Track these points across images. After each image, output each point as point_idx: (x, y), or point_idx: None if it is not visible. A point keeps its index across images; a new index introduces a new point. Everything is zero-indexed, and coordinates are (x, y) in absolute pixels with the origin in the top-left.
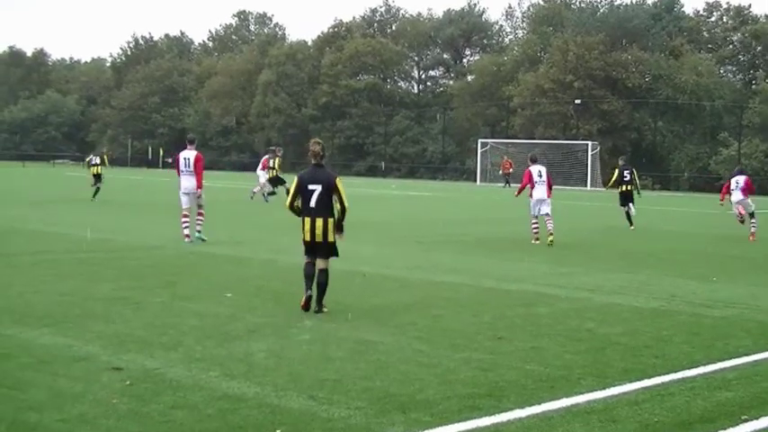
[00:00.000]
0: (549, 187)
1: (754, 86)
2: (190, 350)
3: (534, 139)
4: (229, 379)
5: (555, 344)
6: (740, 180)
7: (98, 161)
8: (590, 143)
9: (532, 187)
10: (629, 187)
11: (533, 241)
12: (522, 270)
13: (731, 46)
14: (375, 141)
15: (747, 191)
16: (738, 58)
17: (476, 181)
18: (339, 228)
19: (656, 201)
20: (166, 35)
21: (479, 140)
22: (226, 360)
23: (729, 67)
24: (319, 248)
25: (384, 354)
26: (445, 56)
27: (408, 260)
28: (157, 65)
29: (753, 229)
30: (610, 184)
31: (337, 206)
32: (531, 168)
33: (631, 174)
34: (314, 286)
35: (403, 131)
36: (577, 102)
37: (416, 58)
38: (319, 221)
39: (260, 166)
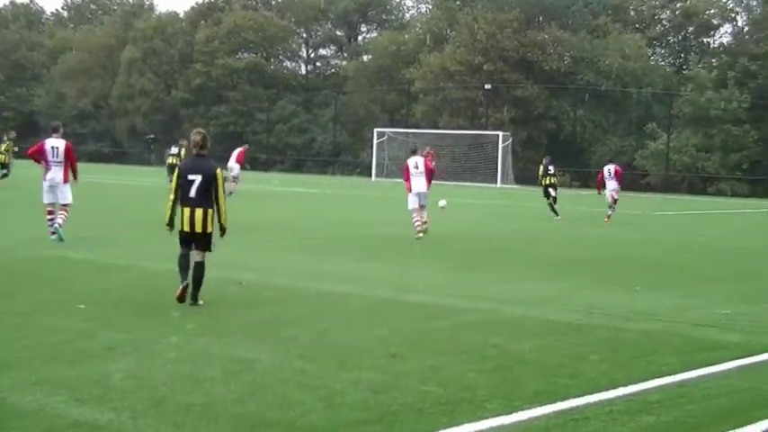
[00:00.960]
0: (429, 179)
1: (685, 72)
2: (34, 371)
3: (438, 128)
4: (80, 404)
5: (457, 362)
6: (611, 168)
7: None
8: (501, 134)
9: (410, 180)
10: (552, 179)
11: (417, 236)
12: (423, 278)
13: (660, 26)
14: (256, 130)
15: (619, 177)
16: (668, 40)
17: (371, 176)
18: (221, 229)
19: (575, 200)
20: (12, 2)
21: (376, 130)
22: (77, 382)
23: (659, 50)
24: (198, 239)
25: (261, 374)
26: (338, 33)
27: (293, 267)
28: (1, 36)
29: (610, 212)
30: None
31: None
32: (408, 160)
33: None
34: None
35: (288, 118)
36: (487, 87)
37: (305, 35)
38: (199, 211)
39: (234, 158)
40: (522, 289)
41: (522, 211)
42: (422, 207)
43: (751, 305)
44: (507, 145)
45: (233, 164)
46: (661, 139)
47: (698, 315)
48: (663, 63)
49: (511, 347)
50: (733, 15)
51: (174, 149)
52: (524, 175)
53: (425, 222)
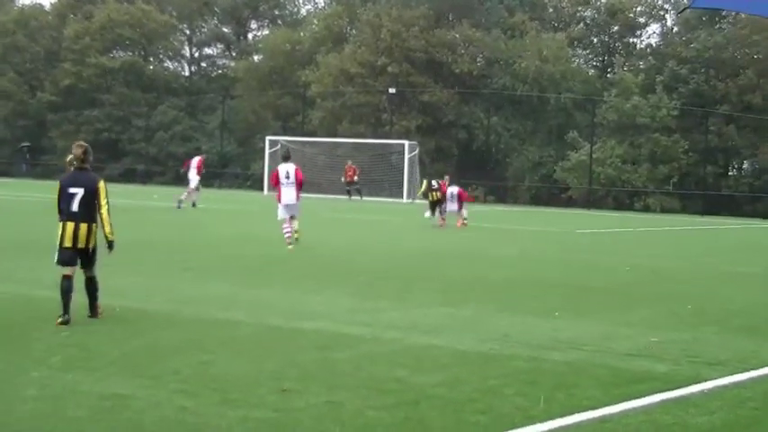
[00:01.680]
0: (299, 189)
1: (609, 76)
2: None
3: (337, 136)
4: None
5: (356, 397)
6: (455, 191)
7: None
8: (407, 143)
9: (280, 189)
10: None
11: (288, 246)
12: (318, 304)
13: (582, 25)
14: (134, 137)
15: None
16: (591, 40)
17: (263, 189)
18: (108, 243)
19: (488, 216)
20: None
21: (268, 138)
22: None
23: (581, 52)
24: (83, 256)
25: (137, 412)
26: (225, 29)
27: (173, 292)
28: None
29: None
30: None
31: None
32: (279, 168)
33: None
34: (71, 303)
35: (170, 125)
36: (392, 91)
37: (188, 32)
38: (83, 226)
39: (194, 169)
40: (429, 315)
41: (429, 228)
42: (292, 218)
43: (682, 332)
44: (414, 156)
45: (192, 175)
46: (583, 149)
47: (625, 343)
48: (585, 66)
49: (416, 381)
50: (662, 14)
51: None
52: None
53: (296, 231)
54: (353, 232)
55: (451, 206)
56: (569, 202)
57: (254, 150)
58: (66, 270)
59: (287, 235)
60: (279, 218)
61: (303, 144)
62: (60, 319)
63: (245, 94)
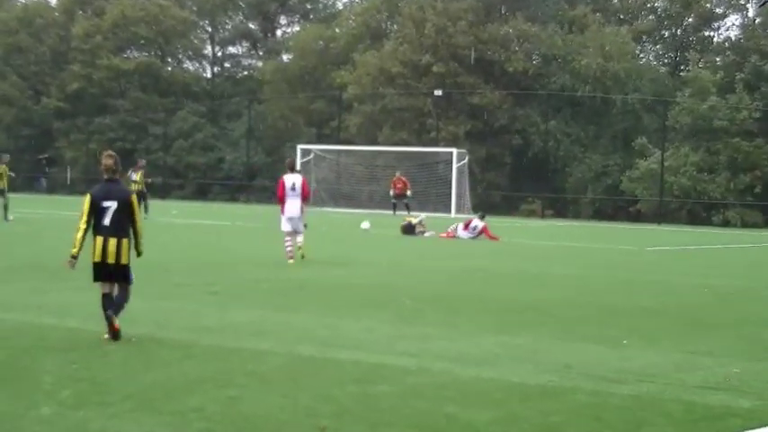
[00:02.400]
0: (305, 200)
1: (682, 74)
2: None
3: (378, 144)
4: None
5: None
6: (478, 226)
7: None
8: (455, 151)
9: (284, 201)
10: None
11: (289, 261)
12: (356, 331)
13: (651, 16)
14: (150, 147)
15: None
16: (662, 34)
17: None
18: (138, 252)
19: (545, 232)
20: None
21: (300, 147)
22: None
23: (650, 47)
24: (114, 272)
25: None
26: (251, 25)
27: (195, 318)
28: None
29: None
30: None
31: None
32: (285, 178)
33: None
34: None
35: (190, 133)
36: (438, 93)
37: (210, 29)
38: (112, 241)
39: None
40: (480, 343)
41: (478, 246)
42: (296, 232)
43: (766, 362)
44: (463, 165)
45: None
46: (653, 156)
47: (701, 375)
48: (655, 63)
49: (467, 417)
50: (742, 3)
51: (134, 175)
52: (484, 202)
53: (300, 248)
54: (394, 250)
55: (462, 233)
56: (637, 217)
57: (282, 160)
58: (103, 287)
59: (288, 248)
60: (282, 229)
61: (339, 153)
62: (106, 336)
63: (274, 97)
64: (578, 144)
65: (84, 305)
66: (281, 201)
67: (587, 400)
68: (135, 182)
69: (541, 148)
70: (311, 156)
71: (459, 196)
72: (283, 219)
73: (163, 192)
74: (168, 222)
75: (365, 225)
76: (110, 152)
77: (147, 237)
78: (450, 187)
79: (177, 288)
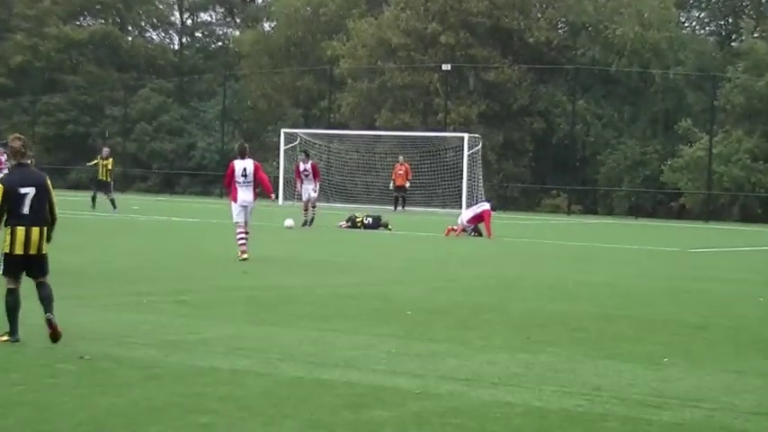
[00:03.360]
0: (265, 186)
1: (735, 45)
2: None
3: (376, 128)
4: None
5: None
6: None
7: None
8: (467, 136)
9: (235, 188)
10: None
11: (241, 257)
12: (350, 347)
13: None
14: (107, 131)
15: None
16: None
17: (277, 197)
18: (47, 238)
19: (572, 231)
20: None
21: (283, 131)
22: None
23: (695, 14)
24: (36, 263)
25: None
26: None
27: (160, 332)
28: None
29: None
30: None
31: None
32: (235, 164)
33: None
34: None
35: (154, 115)
36: (446, 68)
37: None
38: (35, 230)
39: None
40: (496, 362)
41: (492, 247)
42: (245, 224)
43: None
44: (476, 152)
45: None
46: (700, 142)
47: (754, 398)
48: (701, 33)
49: None
50: None
51: (102, 163)
52: (501, 196)
53: (248, 238)
54: (394, 253)
55: (467, 215)
56: (681, 213)
57: (264, 147)
58: (12, 282)
59: (241, 241)
60: (234, 220)
61: (329, 139)
62: (9, 338)
63: (254, 73)
64: (611, 128)
65: (25, 314)
66: (227, 188)
67: (621, 429)
68: (105, 170)
69: (568, 132)
70: (297, 141)
71: (471, 189)
72: (235, 207)
73: (123, 184)
74: (129, 220)
75: (289, 222)
76: (17, 134)
77: (105, 236)
78: (461, 179)
79: (139, 297)
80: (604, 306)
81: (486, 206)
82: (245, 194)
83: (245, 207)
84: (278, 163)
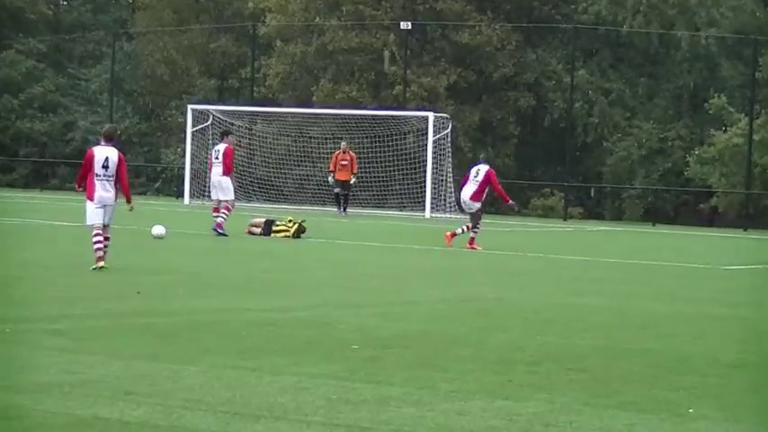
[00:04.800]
0: (124, 186)
1: None
2: None
3: (312, 105)
4: None
5: None
6: (481, 170)
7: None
8: (431, 115)
9: (92, 183)
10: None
11: (97, 264)
12: (278, 393)
13: None
14: None
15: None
16: None
17: (182, 196)
18: None
19: (570, 240)
20: None
21: (191, 107)
22: None
23: None
24: None
25: None
26: None
27: (26, 371)
28: None
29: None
30: None
31: None
32: (94, 151)
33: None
34: None
35: (22, 85)
36: (405, 26)
37: None
38: None
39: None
40: (467, 412)
41: (463, 260)
42: (105, 227)
43: None
44: (444, 137)
45: None
46: (737, 126)
47: None
48: None
49: None
50: None
51: None
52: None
53: (106, 250)
54: (334, 268)
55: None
56: (711, 218)
57: (167, 128)
58: None
59: (97, 245)
60: (89, 222)
61: (252, 118)
62: None
63: (152, 32)
64: (621, 106)
65: None
66: (81, 182)
67: None
68: None
69: (563, 111)
70: (209, 121)
71: (437, 185)
72: (91, 207)
73: None
74: None
75: (158, 230)
76: None
77: None
78: (425, 172)
79: (1, 325)
80: (611, 338)
81: (485, 167)
82: (104, 191)
83: (103, 207)
84: (183, 150)
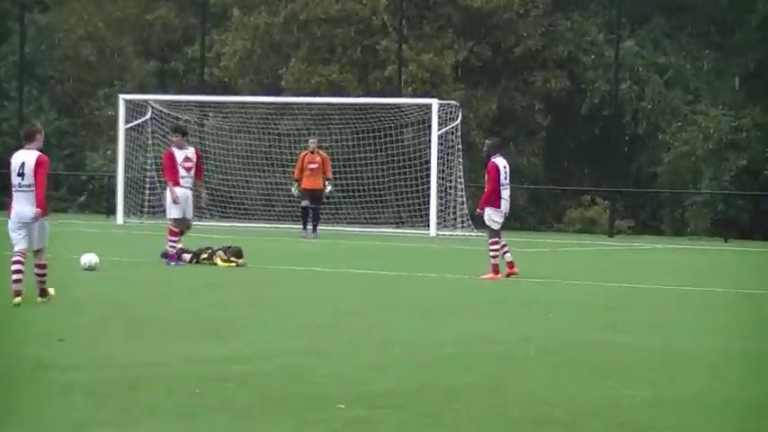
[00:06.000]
0: (39, 195)
1: None
2: None
3: (281, 92)
4: None
5: None
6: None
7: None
8: (435, 103)
9: (11, 198)
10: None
11: (14, 299)
12: None
13: None
14: None
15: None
16: None
17: (113, 214)
18: None
19: (620, 262)
20: None
21: (123, 97)
22: None
23: None
24: None
25: None
26: None
27: None
28: None
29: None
30: None
31: None
32: (14, 156)
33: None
34: None
35: None
36: None
37: None
38: None
39: None
40: None
41: (475, 290)
42: (37, 252)
43: None
44: (453, 130)
45: None
46: None
47: None
48: None
49: None
50: None
51: None
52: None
53: (45, 277)
54: (314, 302)
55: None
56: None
57: (93, 125)
58: None
59: (16, 276)
60: (13, 243)
61: (202, 110)
62: None
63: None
64: (681, 87)
65: None
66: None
67: None
68: None
69: (608, 95)
70: (148, 115)
71: (443, 193)
72: (11, 223)
73: None
74: None
75: (87, 259)
76: None
77: None
78: (428, 176)
79: None
80: (671, 386)
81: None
82: (21, 205)
83: (25, 226)
84: (114, 153)
